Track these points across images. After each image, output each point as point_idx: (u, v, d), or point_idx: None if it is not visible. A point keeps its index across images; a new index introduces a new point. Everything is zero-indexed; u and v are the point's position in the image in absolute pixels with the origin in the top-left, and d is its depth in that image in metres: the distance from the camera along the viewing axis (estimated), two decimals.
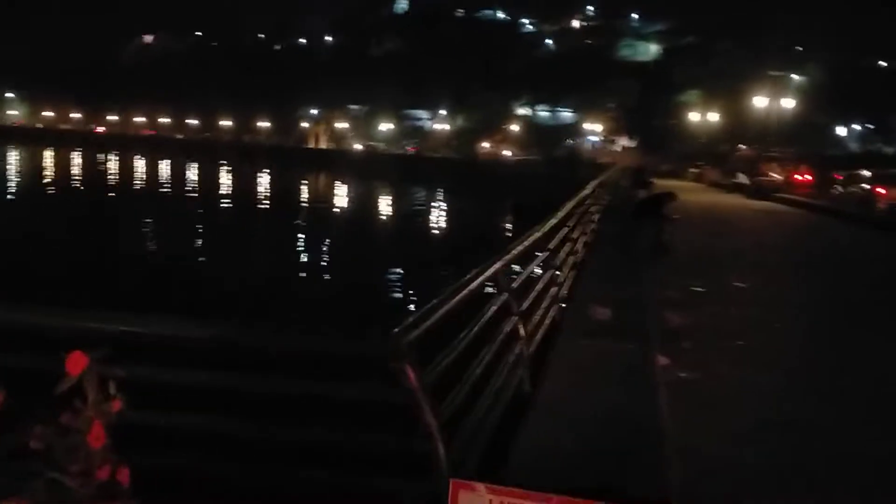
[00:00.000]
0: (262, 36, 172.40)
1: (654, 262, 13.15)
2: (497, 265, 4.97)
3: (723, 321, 8.97)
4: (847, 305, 10.58)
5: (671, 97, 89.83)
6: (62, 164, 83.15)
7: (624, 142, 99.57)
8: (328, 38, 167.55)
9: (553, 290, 7.53)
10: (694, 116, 68.62)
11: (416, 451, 3.36)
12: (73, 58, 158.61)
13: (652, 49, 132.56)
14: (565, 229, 9.18)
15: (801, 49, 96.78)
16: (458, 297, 4.02)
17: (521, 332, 5.50)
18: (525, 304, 5.91)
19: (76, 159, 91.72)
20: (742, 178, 40.21)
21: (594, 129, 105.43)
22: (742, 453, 4.71)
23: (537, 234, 7.09)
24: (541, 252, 7.49)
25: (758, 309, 9.86)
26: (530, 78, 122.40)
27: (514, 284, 5.65)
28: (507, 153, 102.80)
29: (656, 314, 8.77)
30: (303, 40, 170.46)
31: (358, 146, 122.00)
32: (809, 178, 40.03)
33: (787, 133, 52.29)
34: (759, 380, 6.52)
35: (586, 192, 13.81)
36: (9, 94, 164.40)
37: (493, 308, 4.96)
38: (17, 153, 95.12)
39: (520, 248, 6.20)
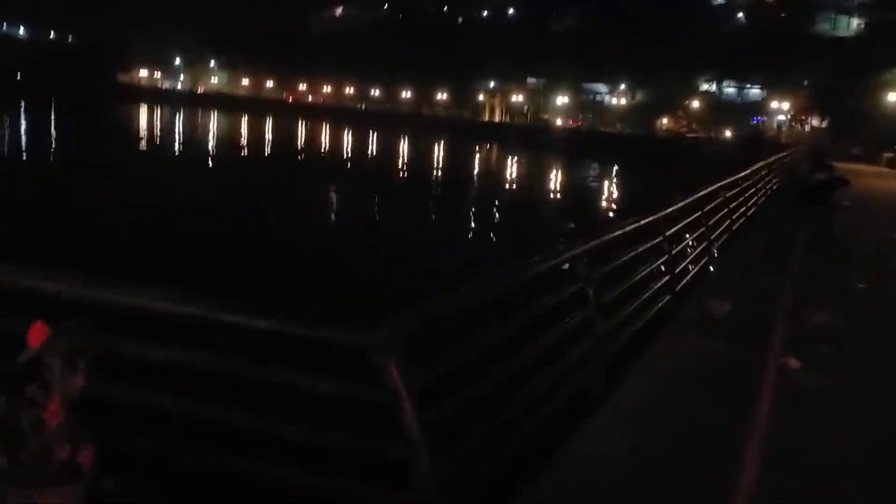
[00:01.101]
0: (446, 9, 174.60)
1: (812, 251, 12.60)
2: (578, 249, 4.66)
3: (878, 326, 8.04)
4: None
5: (870, 76, 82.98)
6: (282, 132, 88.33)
7: (814, 122, 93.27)
8: (509, 12, 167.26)
9: (666, 277, 6.95)
10: (893, 98, 63.24)
11: (392, 458, 3.01)
12: (268, 28, 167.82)
13: (853, 23, 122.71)
14: (698, 213, 8.70)
15: None
16: (485, 290, 3.71)
17: (600, 325, 4.99)
18: (615, 294, 5.46)
19: (270, 126, 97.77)
20: None
21: (782, 107, 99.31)
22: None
23: (650, 218, 6.53)
24: (656, 237, 6.90)
25: None
26: (717, 53, 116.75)
27: (602, 271, 5.19)
28: (685, 130, 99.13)
29: (792, 312, 8.05)
30: (485, 13, 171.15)
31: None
32: None
33: None
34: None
35: (745, 172, 13.28)
36: (212, 63, 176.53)
37: (560, 298, 4.60)
38: (217, 119, 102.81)
39: (616, 232, 5.67)
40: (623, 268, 5.87)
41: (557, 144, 79.71)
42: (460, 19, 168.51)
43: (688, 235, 8.08)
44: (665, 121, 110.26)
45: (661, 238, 6.73)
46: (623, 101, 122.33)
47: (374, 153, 72.50)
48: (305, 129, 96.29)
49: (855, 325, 7.79)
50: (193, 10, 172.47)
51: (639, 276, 6.08)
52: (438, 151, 76.18)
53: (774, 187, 19.32)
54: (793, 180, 21.39)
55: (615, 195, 46.47)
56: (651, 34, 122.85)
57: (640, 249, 6.31)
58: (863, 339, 7.31)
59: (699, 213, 8.51)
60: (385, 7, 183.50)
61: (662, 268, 6.81)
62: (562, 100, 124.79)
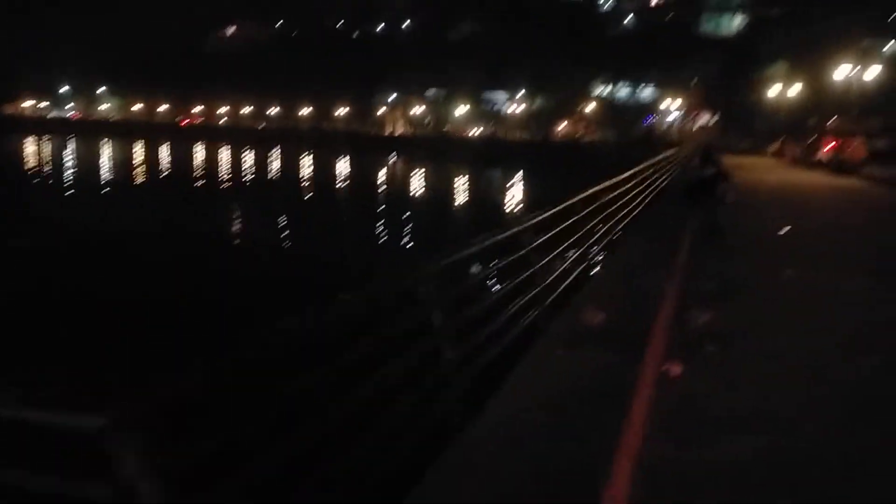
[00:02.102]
0: (343, 22, 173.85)
1: (697, 249, 12.54)
2: (423, 272, 4.21)
3: (762, 321, 7.75)
4: None
5: (754, 71, 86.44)
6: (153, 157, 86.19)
7: (705, 118, 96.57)
8: (407, 24, 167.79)
9: (535, 290, 6.45)
10: (777, 91, 65.91)
11: None
12: (159, 50, 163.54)
13: (736, 22, 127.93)
14: (575, 218, 8.32)
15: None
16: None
17: (449, 353, 4.48)
18: (471, 314, 4.94)
19: (165, 151, 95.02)
20: (822, 154, 38.40)
21: (674, 105, 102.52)
22: None
23: (508, 232, 6.02)
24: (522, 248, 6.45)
25: (809, 305, 8.58)
26: (609, 56, 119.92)
27: (455, 292, 4.70)
28: (582, 133, 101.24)
29: (676, 313, 7.70)
30: (382, 26, 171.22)
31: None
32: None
33: (875, 105, 49.58)
34: (787, 401, 5.30)
35: (627, 174, 13.10)
36: (101, 89, 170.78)
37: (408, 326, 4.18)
38: (110, 146, 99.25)
39: (470, 249, 5.17)
40: (484, 285, 5.44)
41: (461, 154, 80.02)
42: (356, 33, 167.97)
43: (564, 243, 7.71)
44: (563, 125, 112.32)
45: (526, 249, 6.30)
46: (522, 107, 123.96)
47: (273, 172, 71.28)
48: (202, 152, 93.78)
49: (740, 323, 7.55)
50: (81, 36, 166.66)
51: (502, 293, 5.63)
52: (340, 167, 75.53)
53: (663, 185, 19.45)
54: (682, 177, 21.64)
55: (515, 200, 46.78)
56: (547, 40, 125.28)
57: (503, 263, 5.87)
58: (747, 339, 7.03)
59: (575, 217, 8.18)
60: (279, 24, 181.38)
61: (535, 279, 6.43)
62: (462, 110, 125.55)
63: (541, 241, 6.68)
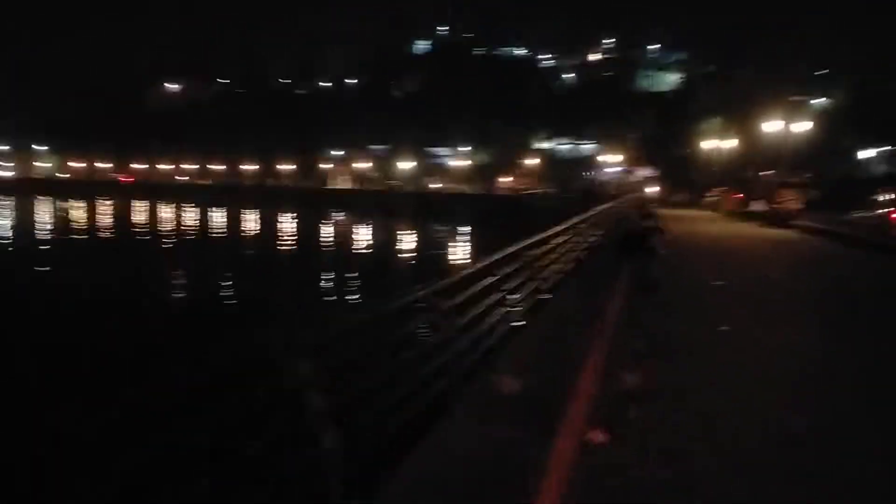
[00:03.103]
0: (287, 81, 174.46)
1: (631, 302, 12.25)
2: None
3: (692, 379, 7.37)
4: (860, 351, 8.93)
5: (690, 125, 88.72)
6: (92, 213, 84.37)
7: (644, 171, 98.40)
8: (351, 81, 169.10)
9: (441, 359, 5.84)
10: (711, 144, 67.49)
11: None
12: (99, 107, 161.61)
13: (671, 78, 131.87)
14: (495, 278, 7.85)
15: (826, 71, 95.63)
16: None
17: (328, 440, 3.88)
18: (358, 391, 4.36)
19: (104, 208, 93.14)
20: (757, 206, 39.06)
21: (614, 160, 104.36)
22: None
23: (402, 301, 5.33)
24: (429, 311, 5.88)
25: (742, 359, 8.27)
26: (550, 111, 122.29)
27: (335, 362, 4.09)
28: (522, 187, 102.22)
29: (601, 373, 7.28)
30: (325, 84, 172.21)
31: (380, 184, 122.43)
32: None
33: (806, 158, 51.04)
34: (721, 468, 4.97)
35: (557, 229, 12.71)
36: (38, 147, 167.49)
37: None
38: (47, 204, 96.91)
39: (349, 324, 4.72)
40: (381, 353, 4.92)
41: (405, 208, 79.92)
42: (303, 91, 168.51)
43: (484, 302, 7.25)
44: (505, 178, 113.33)
45: (431, 313, 5.81)
46: (465, 162, 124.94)
47: (218, 227, 70.15)
48: (146, 209, 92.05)
49: (671, 383, 7.14)
50: (18, 92, 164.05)
51: (402, 362, 5.10)
52: (285, 222, 74.76)
53: (597, 238, 19.32)
54: (619, 230, 21.50)
55: (456, 252, 46.60)
56: (488, 96, 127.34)
57: (407, 330, 5.34)
58: (677, 398, 6.61)
59: (496, 277, 7.78)
60: (225, 81, 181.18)
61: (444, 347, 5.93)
62: (407, 164, 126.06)
63: (454, 302, 6.21)
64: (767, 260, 21.13)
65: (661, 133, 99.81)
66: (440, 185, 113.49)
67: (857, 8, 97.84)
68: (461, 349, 6.09)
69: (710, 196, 57.35)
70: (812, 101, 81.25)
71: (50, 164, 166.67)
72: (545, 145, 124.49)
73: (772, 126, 45.89)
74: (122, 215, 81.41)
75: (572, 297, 11.36)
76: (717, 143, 65.44)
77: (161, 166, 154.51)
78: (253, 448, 3.51)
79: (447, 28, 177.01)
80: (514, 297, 8.50)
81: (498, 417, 5.46)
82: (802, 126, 45.67)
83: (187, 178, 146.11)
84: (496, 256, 8.25)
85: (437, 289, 5.90)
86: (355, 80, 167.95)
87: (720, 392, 6.95)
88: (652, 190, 73.71)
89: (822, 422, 6.05)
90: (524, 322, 8.65)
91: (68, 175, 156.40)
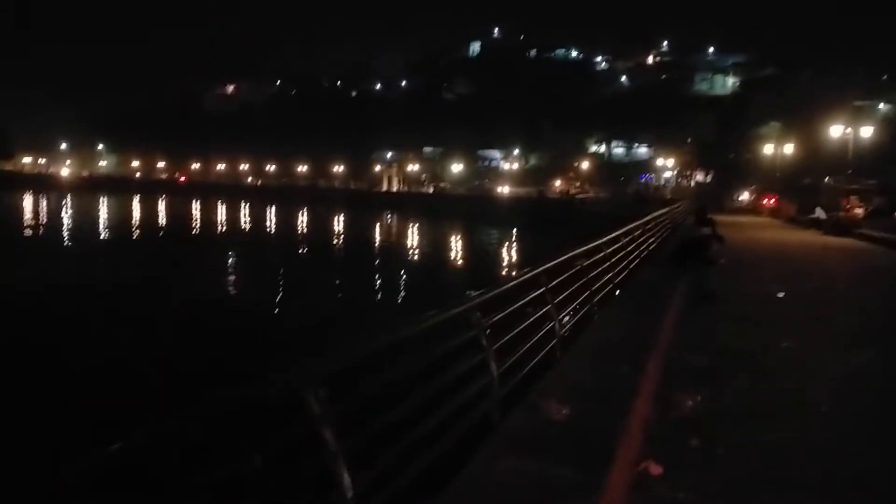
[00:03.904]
0: (339, 83, 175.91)
1: (687, 315, 11.56)
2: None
3: (756, 402, 6.78)
4: None
5: (748, 130, 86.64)
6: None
7: (699, 177, 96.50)
8: (402, 83, 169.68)
9: (486, 378, 5.37)
10: (771, 149, 65.62)
11: None
12: (159, 108, 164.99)
13: (729, 82, 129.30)
14: (541, 290, 7.26)
15: (885, 77, 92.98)
16: None
17: (340, 470, 3.47)
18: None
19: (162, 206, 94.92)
20: (819, 213, 37.64)
21: (668, 164, 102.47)
22: None
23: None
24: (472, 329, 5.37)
25: (808, 384, 7.56)
26: (604, 115, 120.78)
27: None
28: (576, 191, 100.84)
29: (656, 397, 6.73)
30: (378, 86, 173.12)
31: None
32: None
33: (870, 164, 49.19)
34: None
35: (609, 237, 12.03)
36: (100, 146, 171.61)
37: None
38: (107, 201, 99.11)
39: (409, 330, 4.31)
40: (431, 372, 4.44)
41: (455, 211, 79.54)
42: (354, 92, 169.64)
43: (526, 319, 6.74)
44: (558, 182, 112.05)
45: (476, 331, 5.29)
46: (517, 165, 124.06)
47: (275, 227, 70.89)
48: (202, 208, 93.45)
49: (731, 409, 6.54)
50: (79, 94, 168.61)
51: (434, 387, 4.59)
52: (338, 223, 75.10)
53: (653, 246, 18.59)
54: (674, 237, 20.77)
55: (508, 260, 46.02)
56: (541, 99, 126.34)
57: (444, 348, 4.84)
58: (741, 425, 6.05)
59: (542, 289, 7.25)
60: (278, 83, 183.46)
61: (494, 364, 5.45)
62: (458, 167, 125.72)
63: (495, 319, 5.72)
64: (830, 270, 20.13)
65: (718, 137, 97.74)
66: (506, 189, 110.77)
67: None
68: (502, 371, 5.56)
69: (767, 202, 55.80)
70: (877, 106, 78.90)
71: (108, 163, 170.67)
72: (599, 149, 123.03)
73: (835, 131, 44.32)
74: (181, 213, 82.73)
75: (625, 311, 10.69)
76: (776, 148, 63.61)
77: (216, 167, 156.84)
78: (263, 492, 3.08)
79: (499, 30, 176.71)
80: (563, 311, 7.95)
81: (542, 449, 4.93)
82: (866, 131, 44.02)
83: (259, 180, 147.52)
84: (543, 267, 7.71)
85: (475, 304, 5.41)
86: (406, 83, 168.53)
87: (781, 420, 6.33)
88: (708, 195, 71.62)
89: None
90: (573, 339, 8.06)
91: (137, 174, 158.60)
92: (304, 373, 3.45)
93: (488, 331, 5.52)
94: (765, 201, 45.21)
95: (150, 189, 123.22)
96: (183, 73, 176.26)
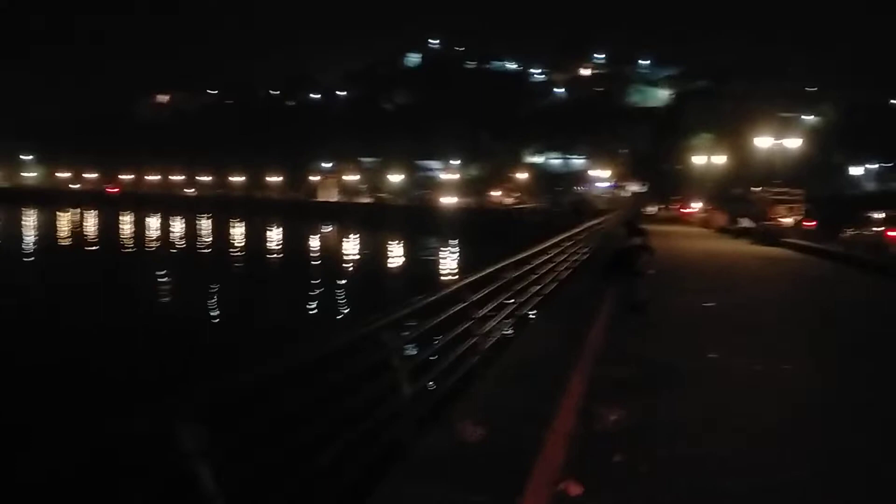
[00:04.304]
0: (277, 93, 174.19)
1: (616, 326, 11.52)
2: None
3: (681, 415, 6.74)
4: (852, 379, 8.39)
5: (681, 141, 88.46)
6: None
7: (634, 187, 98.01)
8: (341, 93, 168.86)
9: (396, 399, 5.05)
10: (702, 160, 66.99)
11: None
12: (88, 118, 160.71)
13: (662, 94, 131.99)
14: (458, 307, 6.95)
15: (814, 89, 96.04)
16: None
17: None
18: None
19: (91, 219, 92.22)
20: (747, 223, 38.39)
21: (604, 175, 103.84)
22: None
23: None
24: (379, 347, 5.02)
25: (735, 395, 7.54)
26: (540, 126, 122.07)
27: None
28: (510, 201, 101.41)
29: (579, 411, 6.62)
30: (316, 96, 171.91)
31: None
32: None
33: (797, 174, 50.59)
34: None
35: (534, 250, 11.83)
36: (25, 157, 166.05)
37: None
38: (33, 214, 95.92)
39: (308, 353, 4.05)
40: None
41: (395, 221, 79.03)
42: (292, 102, 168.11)
43: (446, 334, 6.51)
44: (497, 192, 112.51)
45: (388, 348, 5.01)
46: (456, 175, 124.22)
47: (206, 239, 69.25)
48: (133, 221, 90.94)
49: (656, 421, 6.50)
50: (2, 101, 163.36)
51: (336, 411, 4.28)
52: (274, 234, 74.00)
53: (584, 257, 18.59)
54: (607, 247, 20.78)
55: (445, 267, 45.91)
56: (479, 110, 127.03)
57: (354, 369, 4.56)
58: (667, 439, 5.99)
59: (465, 304, 7.04)
60: (216, 92, 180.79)
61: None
62: (397, 177, 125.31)
63: (412, 336, 5.47)
64: (760, 279, 20.37)
65: (651, 148, 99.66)
66: (448, 199, 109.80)
67: (846, 25, 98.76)
68: (416, 391, 5.29)
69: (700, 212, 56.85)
70: (803, 117, 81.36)
71: (36, 174, 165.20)
72: (536, 159, 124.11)
73: (763, 142, 45.43)
74: (109, 227, 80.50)
75: (552, 324, 10.54)
76: (709, 159, 64.98)
77: (149, 177, 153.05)
78: None
79: (438, 42, 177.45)
80: (488, 324, 7.74)
81: (454, 473, 4.67)
82: (793, 142, 45.21)
83: (193, 191, 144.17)
84: (466, 280, 7.49)
85: (385, 322, 5.14)
86: (345, 93, 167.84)
87: (706, 431, 6.30)
88: (640, 205, 72.78)
89: (822, 468, 5.45)
90: (497, 354, 7.85)
91: (78, 186, 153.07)
92: (174, 404, 3.12)
93: (403, 350, 5.28)
94: (682, 210, 46.46)
95: (78, 201, 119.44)
96: (115, 82, 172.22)
